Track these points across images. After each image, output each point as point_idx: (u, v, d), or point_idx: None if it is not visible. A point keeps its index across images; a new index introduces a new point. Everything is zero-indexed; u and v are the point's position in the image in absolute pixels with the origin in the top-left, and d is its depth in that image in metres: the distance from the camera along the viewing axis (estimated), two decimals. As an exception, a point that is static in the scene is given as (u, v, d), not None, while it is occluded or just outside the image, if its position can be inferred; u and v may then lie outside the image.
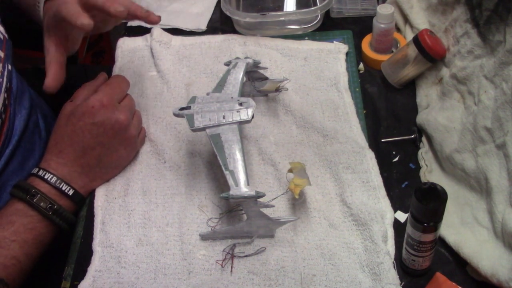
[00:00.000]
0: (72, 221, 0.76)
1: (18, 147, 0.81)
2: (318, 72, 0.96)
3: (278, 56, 0.98)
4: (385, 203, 0.78)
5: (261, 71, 0.89)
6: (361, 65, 0.98)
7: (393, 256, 0.72)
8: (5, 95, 0.76)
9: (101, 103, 0.76)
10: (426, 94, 0.90)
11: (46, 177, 0.73)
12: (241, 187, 0.68)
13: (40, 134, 0.89)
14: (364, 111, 0.91)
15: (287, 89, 0.91)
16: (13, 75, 0.83)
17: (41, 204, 0.71)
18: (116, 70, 0.98)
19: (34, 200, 0.71)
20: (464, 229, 0.73)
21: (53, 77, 0.76)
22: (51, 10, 0.76)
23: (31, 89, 0.93)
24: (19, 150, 0.81)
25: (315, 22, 1.05)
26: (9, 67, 0.78)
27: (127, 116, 0.78)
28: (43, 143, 0.88)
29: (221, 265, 0.73)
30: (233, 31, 1.05)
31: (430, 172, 0.82)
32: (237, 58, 0.86)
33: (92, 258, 0.76)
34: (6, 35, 0.79)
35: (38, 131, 0.89)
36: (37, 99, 0.94)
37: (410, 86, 0.94)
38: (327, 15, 1.06)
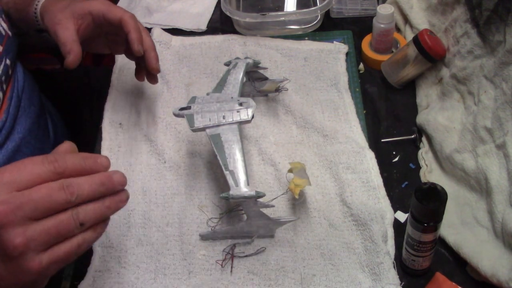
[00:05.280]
0: None
1: (26, 144, 0.81)
2: (318, 72, 0.96)
3: (278, 56, 0.98)
4: (385, 203, 0.77)
5: (261, 71, 0.89)
6: (361, 65, 0.98)
7: (393, 256, 0.72)
8: None
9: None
10: (426, 94, 0.90)
11: None
12: (241, 187, 0.68)
13: (49, 135, 0.89)
14: (364, 111, 0.91)
15: (287, 89, 0.91)
16: (17, 71, 0.83)
17: None
18: (116, 70, 0.98)
19: None
20: (464, 229, 0.73)
21: (75, 55, 0.74)
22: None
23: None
24: (27, 147, 0.81)
25: (315, 22, 1.05)
26: (8, 61, 0.78)
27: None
28: (51, 144, 0.88)
29: (221, 265, 0.73)
30: (233, 31, 1.05)
31: (430, 172, 0.82)
32: (237, 58, 0.86)
33: (92, 258, 0.76)
34: (10, 32, 0.80)
35: (47, 132, 0.89)
36: (45, 100, 0.94)
37: (410, 86, 0.94)
38: (327, 15, 1.06)
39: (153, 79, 0.85)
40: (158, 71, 0.82)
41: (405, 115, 0.90)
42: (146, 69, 0.82)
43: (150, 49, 0.80)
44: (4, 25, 0.79)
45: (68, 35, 0.74)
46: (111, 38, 0.85)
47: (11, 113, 0.79)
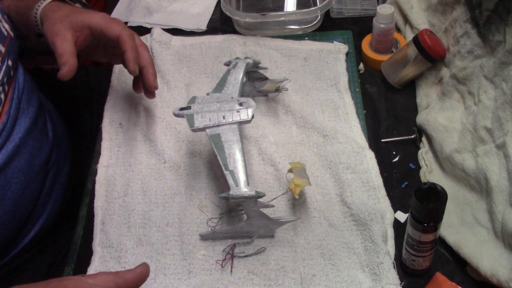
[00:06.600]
0: None
1: (25, 144, 0.81)
2: (318, 72, 0.96)
3: (278, 56, 0.98)
4: (385, 203, 0.78)
5: (261, 71, 0.89)
6: (361, 65, 0.98)
7: (393, 256, 0.72)
8: (0, 88, 0.76)
9: None
10: (426, 94, 0.90)
11: None
12: (241, 187, 0.68)
13: (48, 135, 0.89)
14: (364, 111, 0.91)
15: (287, 89, 0.91)
16: (18, 72, 0.83)
17: None
18: (116, 70, 0.98)
19: None
20: (464, 229, 0.73)
21: (70, 68, 0.74)
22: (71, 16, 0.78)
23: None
24: (25, 147, 0.81)
25: (315, 22, 1.05)
26: (10, 62, 0.79)
27: None
28: (50, 144, 0.88)
29: (221, 265, 0.73)
30: (233, 31, 1.05)
31: (430, 172, 0.82)
32: (237, 58, 0.86)
33: (92, 258, 0.76)
34: (12, 33, 0.80)
35: (46, 132, 0.89)
36: (44, 100, 0.94)
37: (410, 86, 0.94)
38: (327, 15, 1.06)
39: (150, 93, 0.85)
40: (156, 87, 0.81)
41: (405, 115, 0.90)
42: (143, 84, 0.82)
43: (148, 65, 0.80)
44: (7, 26, 0.79)
45: (65, 47, 0.75)
46: (110, 50, 0.85)
47: (11, 115, 0.79)
